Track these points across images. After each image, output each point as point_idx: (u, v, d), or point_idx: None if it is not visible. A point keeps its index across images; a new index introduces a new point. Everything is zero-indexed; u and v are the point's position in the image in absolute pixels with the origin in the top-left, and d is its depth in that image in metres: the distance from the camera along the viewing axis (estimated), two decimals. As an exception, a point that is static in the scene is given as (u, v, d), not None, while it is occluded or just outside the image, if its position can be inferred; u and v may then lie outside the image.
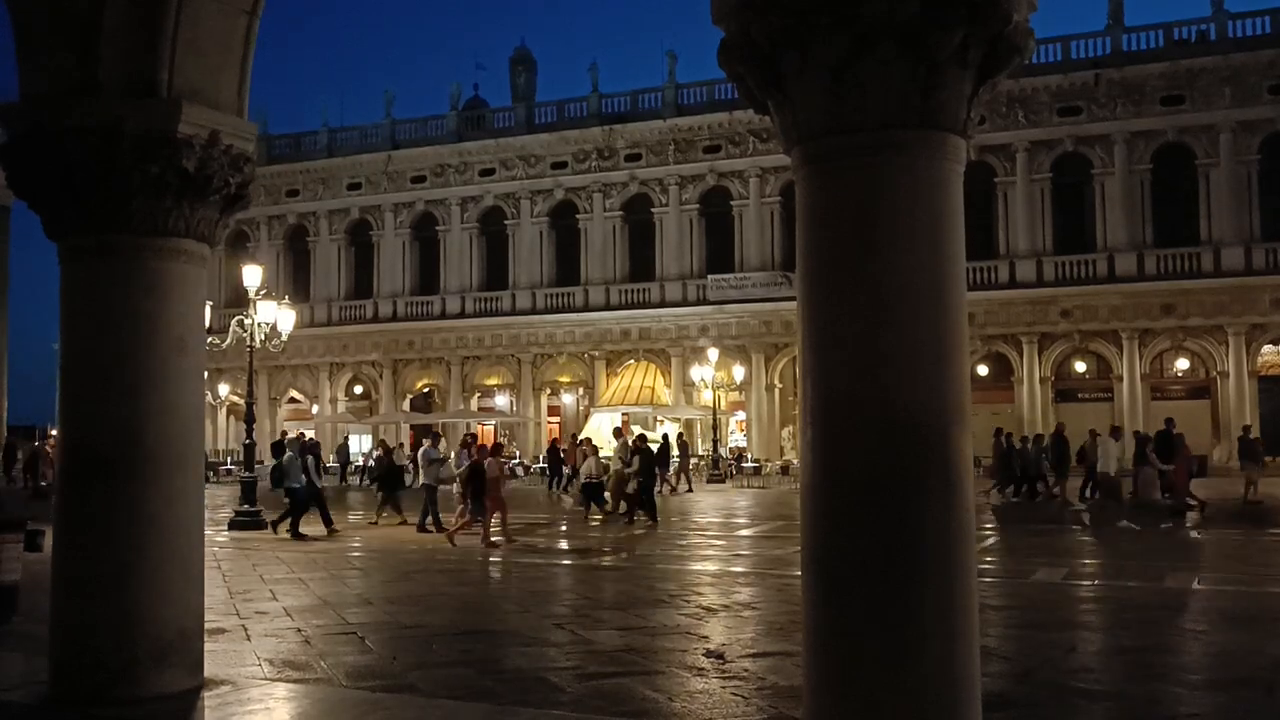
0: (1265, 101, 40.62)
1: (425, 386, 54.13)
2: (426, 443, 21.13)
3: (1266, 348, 41.68)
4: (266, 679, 7.95)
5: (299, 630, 10.12)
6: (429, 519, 20.57)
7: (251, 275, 23.40)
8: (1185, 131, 41.66)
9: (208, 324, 24.28)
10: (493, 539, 18.04)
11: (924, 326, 4.38)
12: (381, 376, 53.33)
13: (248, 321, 23.50)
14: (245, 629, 10.14)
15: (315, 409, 53.97)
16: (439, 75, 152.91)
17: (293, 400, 56.25)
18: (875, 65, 4.27)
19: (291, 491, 20.26)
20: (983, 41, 4.36)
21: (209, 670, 7.29)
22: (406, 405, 52.97)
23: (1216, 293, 40.55)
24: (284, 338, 24.56)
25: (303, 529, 19.68)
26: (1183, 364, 43.21)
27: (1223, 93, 41.07)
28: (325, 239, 54.62)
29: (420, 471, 20.21)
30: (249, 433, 23.79)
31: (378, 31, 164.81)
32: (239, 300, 24.99)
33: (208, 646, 7.63)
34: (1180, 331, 41.60)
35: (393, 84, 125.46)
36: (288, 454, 21.16)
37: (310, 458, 20.59)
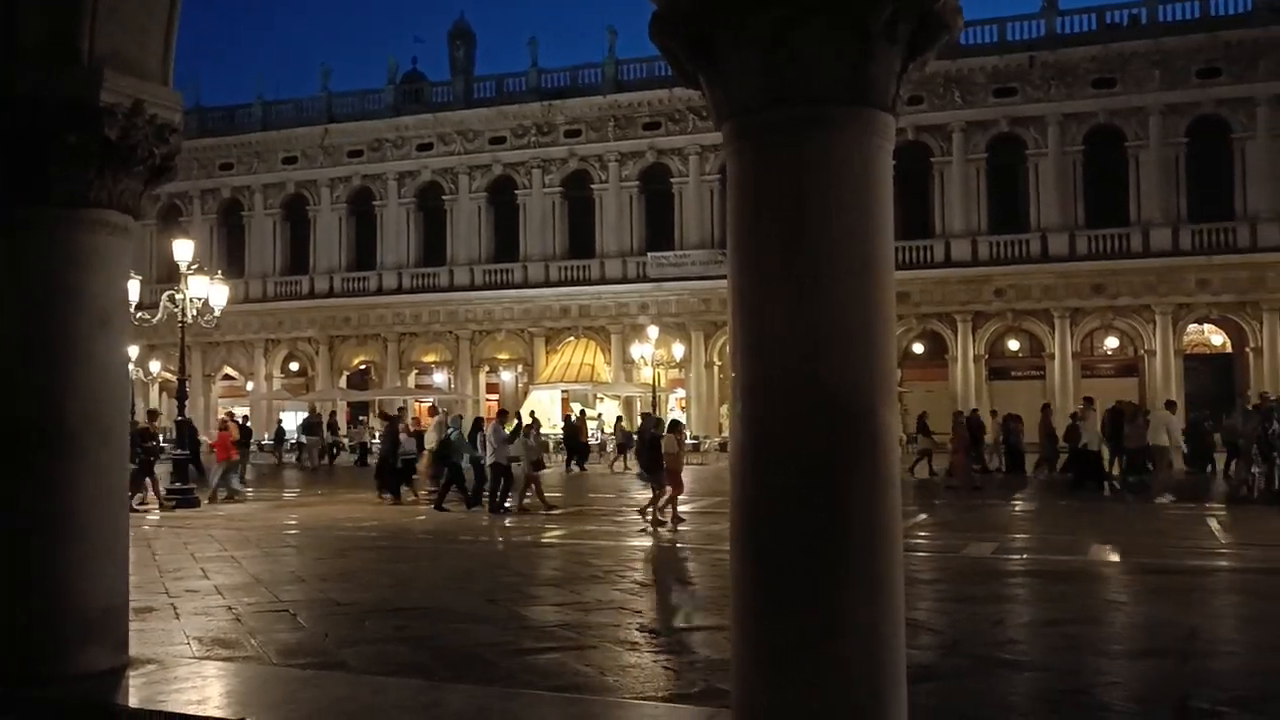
0: (1193, 85, 41.42)
1: (362, 363, 53.64)
2: (492, 420, 20.84)
3: (1192, 327, 42.70)
4: (195, 657, 7.87)
5: (230, 608, 10.01)
6: (499, 498, 19.83)
7: (183, 250, 22.99)
8: (1116, 114, 42.38)
9: (139, 299, 23.95)
10: (660, 517, 17.30)
11: (853, 304, 4.40)
12: (318, 353, 52.77)
13: (179, 297, 23.10)
14: (174, 607, 10.01)
15: (250, 386, 53.30)
16: (376, 49, 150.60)
17: (227, 377, 55.50)
18: (807, 39, 4.26)
19: (456, 467, 20.55)
20: (912, 17, 4.37)
21: (136, 649, 7.18)
22: (343, 382, 52.46)
23: (1145, 273, 41.38)
24: (217, 313, 24.18)
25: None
26: (1112, 342, 44.11)
27: (1152, 76, 41.82)
28: (260, 213, 53.82)
29: (489, 450, 19.92)
30: (181, 409, 23.43)
31: (314, 3, 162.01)
32: (171, 275, 24.54)
33: (135, 625, 7.52)
34: (1110, 311, 42.43)
35: (329, 57, 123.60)
36: (452, 431, 21.45)
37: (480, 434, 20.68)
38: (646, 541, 15.75)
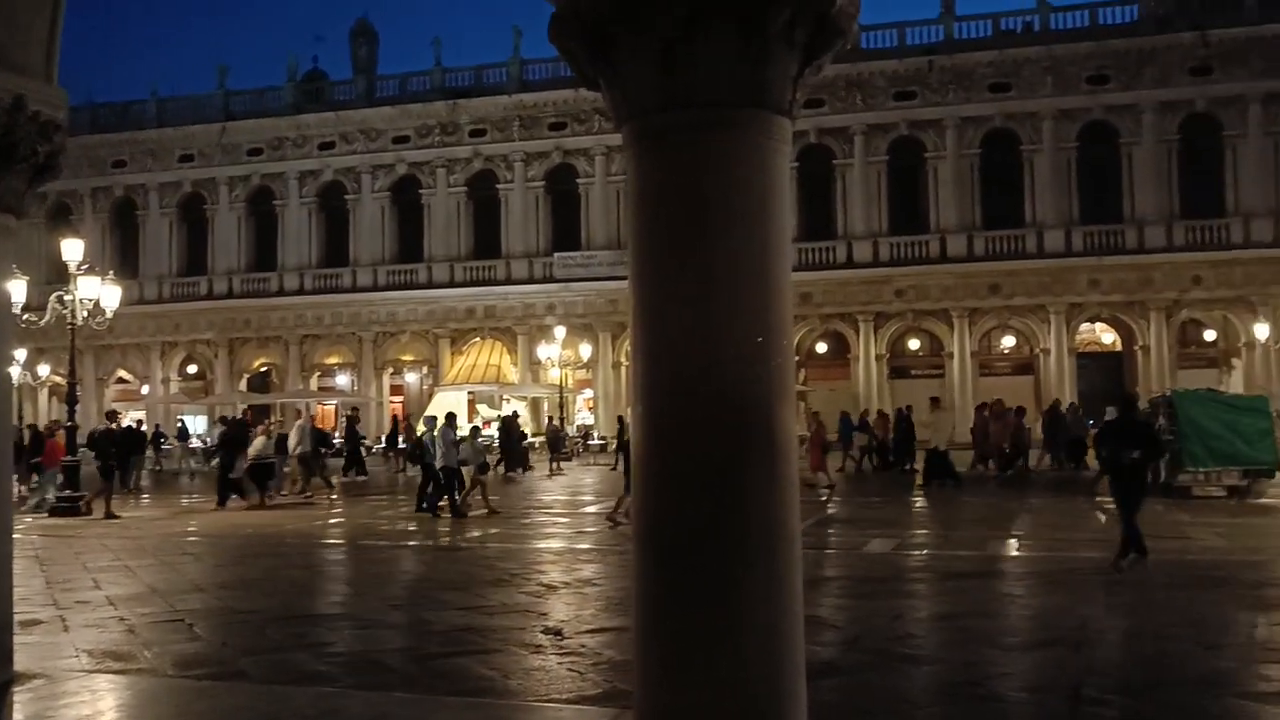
0: (1083, 91, 42.67)
1: (263, 366, 52.59)
2: (440, 422, 20.27)
3: (1084, 326, 44.02)
4: (85, 671, 7.62)
5: (123, 619, 9.73)
6: (460, 501, 19.47)
7: (72, 249, 22.25)
8: (1011, 118, 43.47)
9: (25, 300, 23.11)
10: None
11: (751, 304, 4.44)
12: (217, 356, 51.58)
13: (68, 298, 22.38)
14: (63, 620, 9.69)
15: (145, 389, 51.88)
16: (276, 47, 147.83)
17: (121, 381, 53.96)
18: (705, 42, 4.29)
19: (430, 468, 19.83)
20: (809, 22, 4.42)
21: (22, 664, 6.96)
22: (243, 385, 51.35)
23: (1039, 274, 42.50)
24: (109, 315, 23.46)
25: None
26: (1009, 341, 45.25)
27: (1045, 82, 42.98)
28: (155, 213, 52.42)
29: (439, 453, 19.48)
30: (71, 414, 22.71)
31: (212, 1, 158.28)
32: (61, 276, 23.75)
33: (21, 639, 7.29)
34: (1006, 310, 43.49)
35: (227, 55, 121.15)
36: (423, 430, 20.67)
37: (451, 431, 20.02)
38: (556, 544, 15.72)
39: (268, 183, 51.25)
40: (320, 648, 8.44)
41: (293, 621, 9.62)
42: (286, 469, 24.05)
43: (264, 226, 51.61)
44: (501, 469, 30.48)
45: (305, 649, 8.39)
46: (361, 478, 29.89)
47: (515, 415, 36.30)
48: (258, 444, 22.34)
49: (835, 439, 30.45)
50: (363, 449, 32.97)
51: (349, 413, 38.09)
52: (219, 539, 16.59)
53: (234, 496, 21.59)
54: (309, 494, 23.61)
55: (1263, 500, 19.47)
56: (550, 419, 40.83)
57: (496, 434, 33.90)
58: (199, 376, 53.21)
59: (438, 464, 19.51)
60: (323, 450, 26.91)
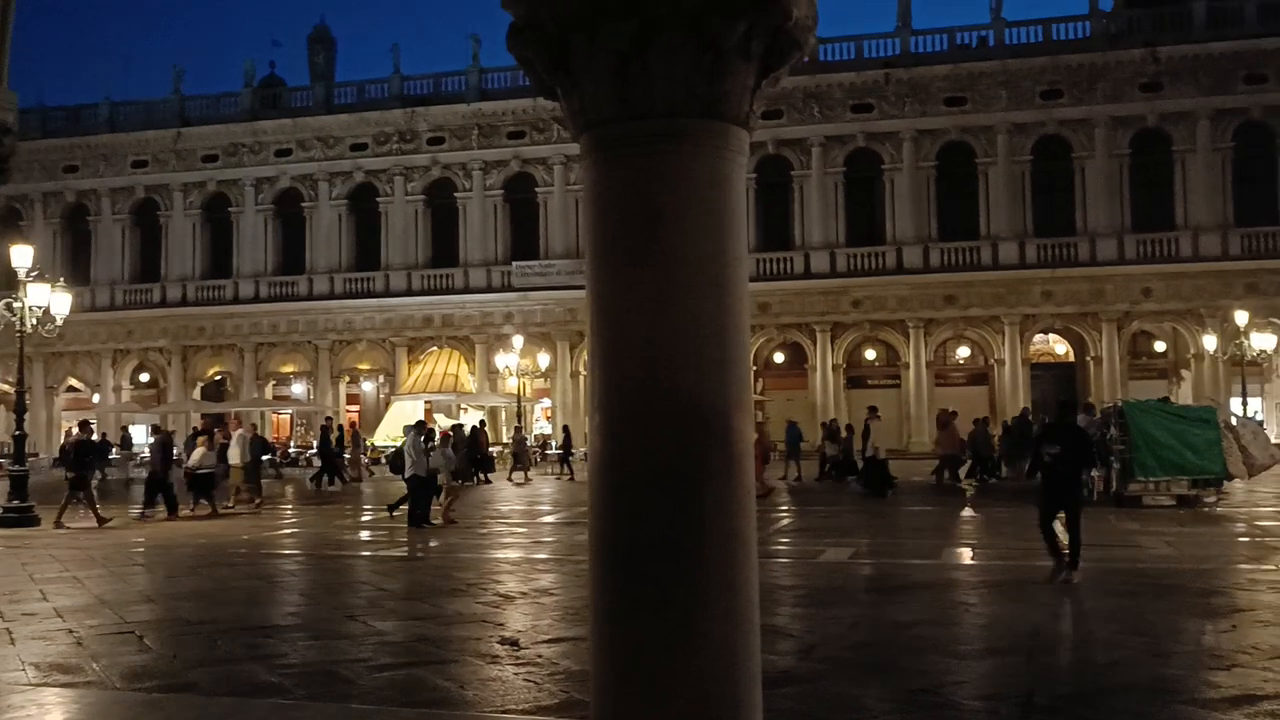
0: (1037, 105, 43.24)
1: (217, 374, 52.02)
2: (410, 431, 20.04)
3: (1038, 337, 44.56)
4: (31, 684, 7.49)
5: (71, 631, 9.58)
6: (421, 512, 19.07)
7: (21, 255, 21.95)
8: (967, 131, 43.94)
9: (-30, 307, 22.62)
10: None
11: (707, 314, 4.45)
12: (170, 364, 50.97)
13: (17, 305, 22.05)
14: (9, 632, 9.53)
15: (97, 398, 51.14)
16: (233, 52, 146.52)
17: (72, 389, 53.17)
18: (663, 53, 4.30)
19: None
20: (765, 34, 4.45)
21: (-34, 677, 6.83)
22: (197, 393, 50.76)
23: (994, 285, 42.97)
24: (59, 322, 23.16)
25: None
26: (964, 352, 45.72)
27: (1000, 95, 43.50)
28: (108, 218, 51.77)
29: (408, 462, 19.23)
30: (19, 423, 22.35)
31: (168, 5, 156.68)
32: (10, 282, 23.39)
33: (-35, 651, 7.15)
34: (961, 321, 43.92)
35: (183, 59, 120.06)
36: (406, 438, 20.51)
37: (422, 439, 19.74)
38: (513, 553, 15.66)
39: (223, 189, 50.77)
40: (273, 659, 8.35)
41: (245, 632, 9.51)
42: (227, 480, 23.76)
43: (219, 233, 51.10)
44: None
45: (258, 660, 8.30)
46: (332, 487, 29.68)
47: (482, 425, 36.16)
48: (197, 454, 22.12)
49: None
50: (341, 457, 32.79)
51: (324, 421, 37.73)
52: (170, 549, 16.38)
53: (151, 510, 21.26)
54: (258, 503, 23.37)
55: (1210, 509, 19.78)
56: (517, 428, 40.65)
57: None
58: (151, 385, 52.55)
59: (407, 473, 19.36)
60: (265, 460, 26.65)
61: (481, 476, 31.42)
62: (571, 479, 32.39)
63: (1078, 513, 11.79)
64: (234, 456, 23.62)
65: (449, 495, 19.68)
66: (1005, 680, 7.64)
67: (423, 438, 19.72)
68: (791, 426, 32.08)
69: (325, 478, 30.44)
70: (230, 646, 8.90)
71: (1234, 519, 18.88)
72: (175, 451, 25.77)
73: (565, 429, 39.06)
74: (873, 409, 26.84)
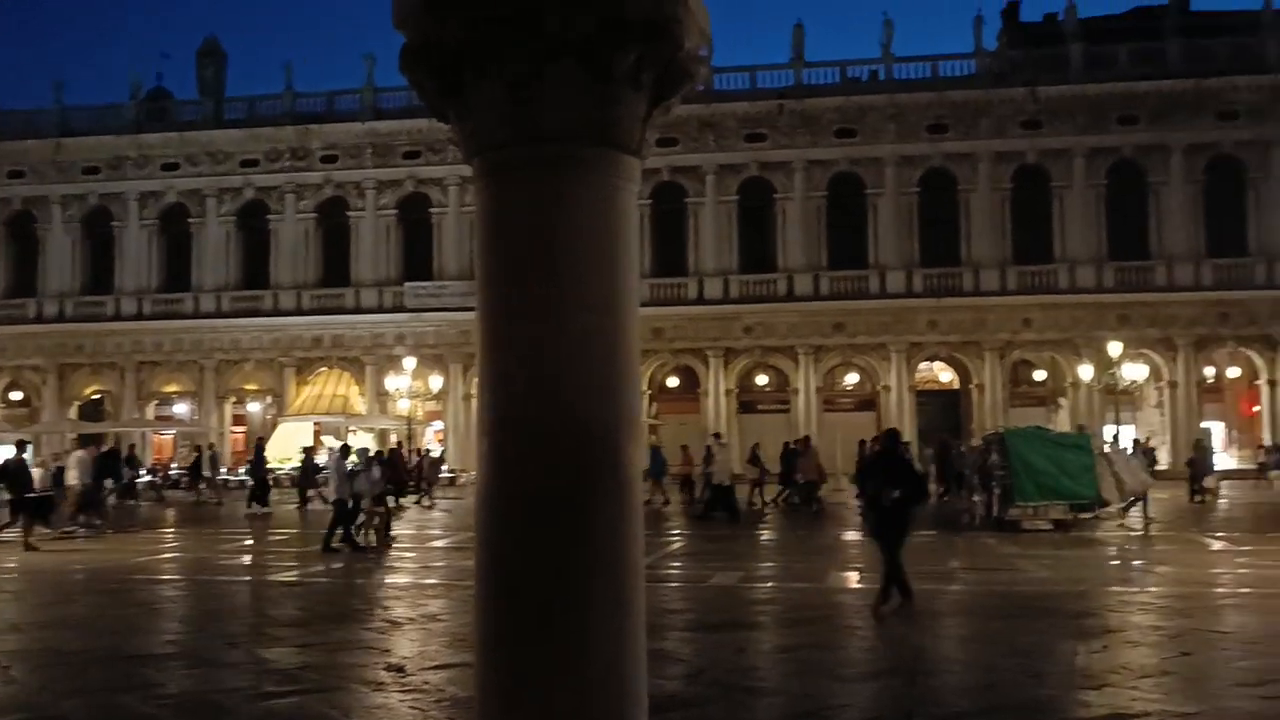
0: (924, 139, 44.44)
1: (96, 393, 50.32)
2: (331, 453, 19.28)
3: (923, 364, 45.62)
4: (-113, 717, 7.15)
5: (-69, 662, 9.15)
6: (336, 536, 18.44)
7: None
8: (856, 162, 44.92)
9: None
10: None
11: (597, 339, 4.48)
12: (45, 382, 49.13)
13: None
14: None
15: (-36, 417, 49.02)
16: (118, 63, 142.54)
17: (-62, 407, 50.89)
18: (554, 80, 4.34)
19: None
20: (656, 64, 4.51)
21: None
22: (74, 413, 48.99)
23: (881, 313, 43.92)
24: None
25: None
26: (852, 378, 46.58)
27: (888, 129, 44.60)
28: (-20, 230, 49.79)
29: (331, 485, 18.50)
30: (-120, 443, 21.35)
31: (48, 12, 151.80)
32: None
33: None
34: (850, 348, 44.77)
35: (65, 70, 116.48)
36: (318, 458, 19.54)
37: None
38: (402, 578, 15.44)
39: (105, 203, 49.28)
40: (150, 689, 8.10)
41: (121, 662, 9.20)
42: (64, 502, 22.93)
43: (100, 248, 49.54)
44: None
45: (133, 690, 8.04)
46: (266, 509, 28.58)
47: (400, 445, 35.33)
48: (37, 475, 21.29)
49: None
50: (269, 478, 31.66)
51: (258, 440, 36.40)
52: (42, 575, 15.77)
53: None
54: (98, 525, 22.55)
55: (1085, 533, 20.45)
56: (427, 450, 40.13)
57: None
58: (24, 403, 50.57)
59: (330, 496, 18.83)
60: (109, 484, 25.70)
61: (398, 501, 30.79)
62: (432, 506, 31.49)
63: (899, 546, 11.29)
64: (71, 478, 22.73)
65: (370, 518, 19.22)
66: (887, 702, 7.79)
67: (347, 461, 19.32)
68: (654, 451, 31.68)
69: (257, 502, 29.06)
70: (105, 676, 8.60)
71: (1107, 543, 19.55)
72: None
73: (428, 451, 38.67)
74: (716, 435, 27.11)
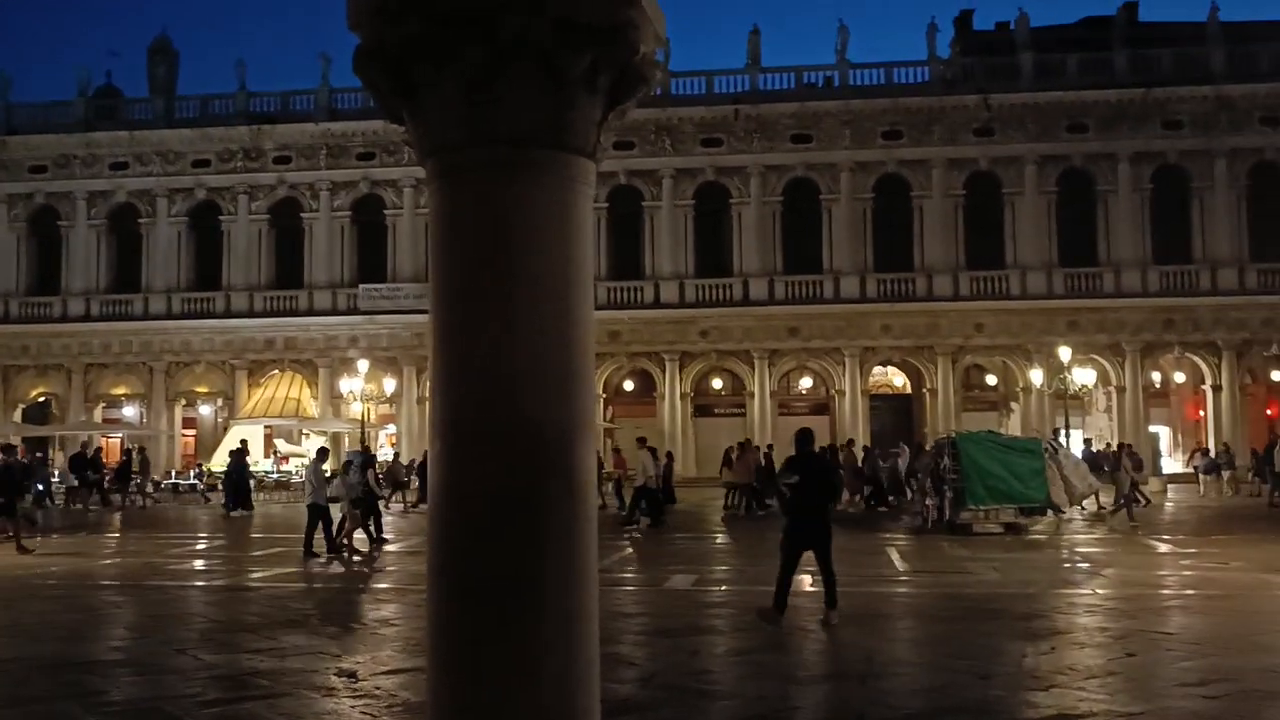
0: (878, 145, 44.81)
1: (41, 395, 49.49)
2: (310, 457, 19.07)
3: (876, 369, 45.97)
4: None
5: None
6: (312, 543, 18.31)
7: None
8: (811, 168, 45.18)
9: None
10: None
11: (551, 342, 4.47)
12: (-12, 384, 48.25)
13: None
14: None
15: (-96, 420, 48.04)
16: (66, 60, 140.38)
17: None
18: (510, 83, 4.32)
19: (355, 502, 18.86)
20: (611, 68, 4.51)
21: None
22: (18, 416, 48.17)
23: (835, 318, 44.20)
24: None
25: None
26: (806, 382, 46.83)
27: (843, 134, 44.91)
28: (-78, 229, 48.82)
29: (308, 490, 18.26)
30: None
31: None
32: None
33: None
34: (804, 352, 45.00)
35: (9, 65, 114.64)
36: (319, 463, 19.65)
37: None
38: (355, 583, 15.31)
39: (52, 202, 48.49)
40: (94, 696, 7.97)
41: (64, 669, 9.05)
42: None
43: (46, 248, 48.72)
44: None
45: (76, 698, 7.91)
46: (245, 512, 28.23)
47: (367, 449, 34.92)
48: None
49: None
50: (250, 481, 31.29)
51: (238, 444, 35.73)
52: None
53: None
54: (10, 536, 22.07)
55: (1034, 535, 20.70)
56: (396, 454, 39.78)
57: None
58: (-34, 406, 49.64)
59: (307, 501, 18.72)
60: (33, 488, 25.25)
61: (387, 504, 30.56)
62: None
63: (827, 550, 11.16)
64: None
65: (349, 523, 19.01)
66: (839, 704, 7.84)
67: (324, 465, 19.16)
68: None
69: (234, 505, 28.86)
70: (46, 684, 8.45)
71: (1056, 545, 19.79)
72: None
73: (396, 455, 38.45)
74: (641, 440, 27.14)
